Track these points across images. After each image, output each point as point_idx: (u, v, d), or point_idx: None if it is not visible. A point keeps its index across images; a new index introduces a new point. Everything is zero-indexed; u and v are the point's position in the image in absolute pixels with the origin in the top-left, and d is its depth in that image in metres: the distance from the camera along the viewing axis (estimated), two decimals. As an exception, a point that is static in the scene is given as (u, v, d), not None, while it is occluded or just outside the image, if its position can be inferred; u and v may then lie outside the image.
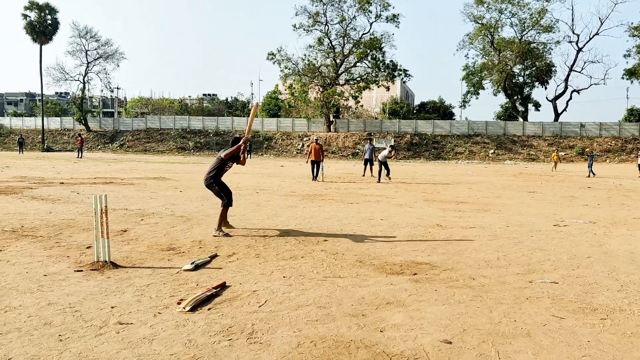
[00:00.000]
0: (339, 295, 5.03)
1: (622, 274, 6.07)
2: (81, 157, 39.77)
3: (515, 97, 58.12)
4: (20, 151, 47.90)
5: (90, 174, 22.11)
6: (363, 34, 56.08)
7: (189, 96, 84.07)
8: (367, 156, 24.40)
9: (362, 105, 59.90)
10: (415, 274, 5.94)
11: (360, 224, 9.54)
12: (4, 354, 3.55)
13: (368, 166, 24.35)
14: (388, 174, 21.21)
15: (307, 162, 21.74)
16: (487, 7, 55.63)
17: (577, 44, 55.77)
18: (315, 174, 20.96)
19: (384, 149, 23.85)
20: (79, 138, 43.84)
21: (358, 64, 56.54)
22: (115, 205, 11.48)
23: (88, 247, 6.94)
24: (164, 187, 16.24)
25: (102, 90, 68.29)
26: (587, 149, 35.03)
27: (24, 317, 4.29)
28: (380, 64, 55.56)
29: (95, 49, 60.94)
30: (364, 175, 24.00)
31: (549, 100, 57.62)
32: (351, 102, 57.67)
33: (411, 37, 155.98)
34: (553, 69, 57.53)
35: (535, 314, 4.56)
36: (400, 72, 56.65)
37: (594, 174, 27.25)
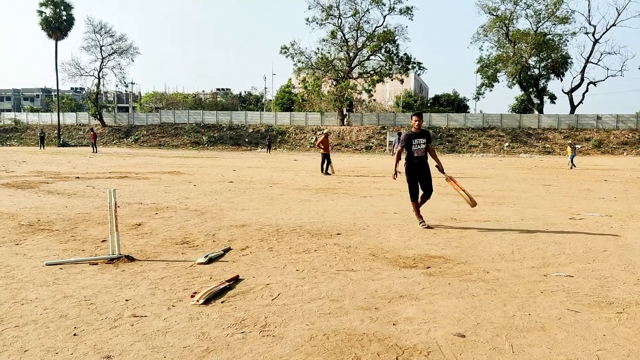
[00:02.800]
0: (352, 289, 5.03)
1: (638, 267, 5.99)
2: (96, 152, 40.11)
3: (531, 90, 57.52)
4: (41, 146, 48.23)
5: (105, 168, 22.31)
6: (376, 26, 55.86)
7: (203, 91, 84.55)
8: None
9: (375, 99, 59.70)
10: (429, 267, 5.91)
11: (373, 217, 9.53)
12: (21, 346, 3.60)
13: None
14: None
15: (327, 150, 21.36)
16: (502, -2, 55.03)
17: (593, 35, 55.02)
18: (325, 167, 20.96)
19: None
20: (92, 133, 44.27)
21: (371, 57, 56.31)
22: (129, 199, 11.58)
23: (103, 241, 7.00)
24: (178, 181, 16.34)
25: (116, 86, 68.91)
26: (570, 141, 34.43)
27: (40, 309, 4.34)
28: (394, 57, 55.29)
29: (110, 44, 61.42)
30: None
31: (565, 93, 56.99)
32: (365, 96, 57.52)
33: (425, 29, 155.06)
34: (569, 60, 56.84)
35: (550, 308, 4.52)
36: (414, 65, 56.35)
37: (574, 165, 27.10)
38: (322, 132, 22.49)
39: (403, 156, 8.88)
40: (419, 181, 8.56)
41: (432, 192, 8.63)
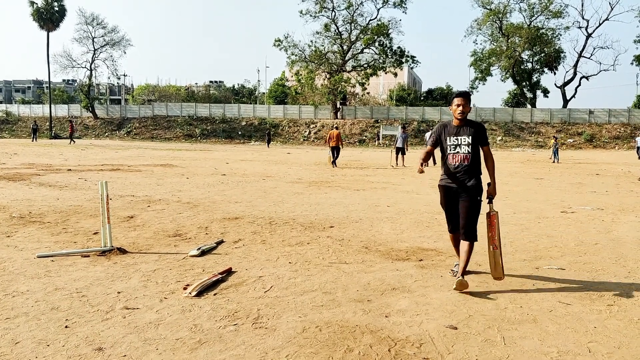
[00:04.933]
0: (344, 281, 5.03)
1: (629, 260, 6.04)
2: (73, 143, 40.12)
3: (524, 84, 57.67)
4: (33, 138, 47.66)
5: (97, 161, 22.19)
6: (370, 19, 55.82)
7: (196, 83, 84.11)
8: (399, 144, 23.00)
9: (368, 92, 59.66)
10: (421, 260, 5.93)
11: (366, 210, 9.53)
12: (12, 338, 3.58)
13: (400, 155, 22.89)
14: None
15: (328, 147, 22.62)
16: (496, -8, 55.06)
17: (586, 29, 55.24)
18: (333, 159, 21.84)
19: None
20: (70, 124, 44.46)
21: (365, 50, 56.26)
22: (122, 191, 11.53)
23: (95, 233, 6.97)
24: (171, 174, 16.28)
25: (108, 78, 68.47)
26: (553, 136, 34.46)
27: (31, 301, 4.32)
28: (388, 50, 55.25)
29: (102, 36, 61.01)
30: (396, 165, 22.52)
31: (558, 87, 57.22)
32: (358, 89, 57.45)
33: (419, 22, 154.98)
34: (562, 55, 57.08)
35: (541, 300, 4.54)
36: (408, 59, 56.34)
37: (557, 160, 27.63)
38: (334, 127, 23.18)
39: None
40: (454, 209, 5.13)
41: (472, 237, 4.90)
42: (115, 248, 6.04)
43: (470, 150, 4.93)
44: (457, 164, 4.98)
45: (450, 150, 5.03)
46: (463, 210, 4.94)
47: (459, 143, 4.97)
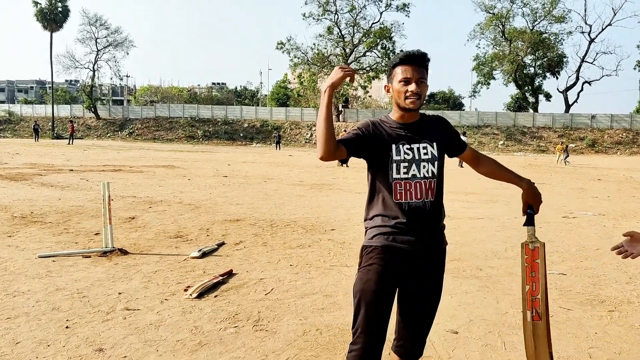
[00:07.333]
0: (345, 284, 5.03)
1: (630, 266, 6.02)
2: (71, 144, 40.16)
3: (526, 88, 57.67)
4: (35, 138, 47.63)
5: (99, 161, 22.21)
6: (373, 23, 55.80)
7: (198, 85, 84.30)
8: None
9: (370, 96, 59.70)
10: (422, 264, 5.92)
11: (367, 213, 9.52)
12: (13, 338, 3.58)
13: None
14: None
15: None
16: (499, -4, 55.13)
17: (589, 34, 55.17)
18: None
19: None
20: (70, 124, 44.61)
21: (368, 53, 56.30)
22: (123, 192, 11.54)
23: (96, 234, 6.98)
24: (173, 175, 16.29)
25: (111, 78, 68.61)
26: (563, 144, 34.66)
27: (32, 302, 4.33)
28: (390, 54, 55.25)
29: (105, 37, 61.04)
30: None
31: (560, 92, 57.12)
32: (360, 92, 57.51)
33: (421, 26, 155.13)
34: (564, 59, 57.00)
35: (542, 305, 4.53)
36: (411, 62, 56.29)
37: (568, 163, 28.94)
38: (344, 130, 24.39)
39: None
40: (389, 301, 2.54)
41: (422, 352, 2.58)
42: (117, 249, 6.05)
43: (436, 172, 2.48)
44: (415, 200, 2.45)
45: (399, 172, 2.45)
46: (425, 297, 2.53)
47: (417, 157, 2.46)
